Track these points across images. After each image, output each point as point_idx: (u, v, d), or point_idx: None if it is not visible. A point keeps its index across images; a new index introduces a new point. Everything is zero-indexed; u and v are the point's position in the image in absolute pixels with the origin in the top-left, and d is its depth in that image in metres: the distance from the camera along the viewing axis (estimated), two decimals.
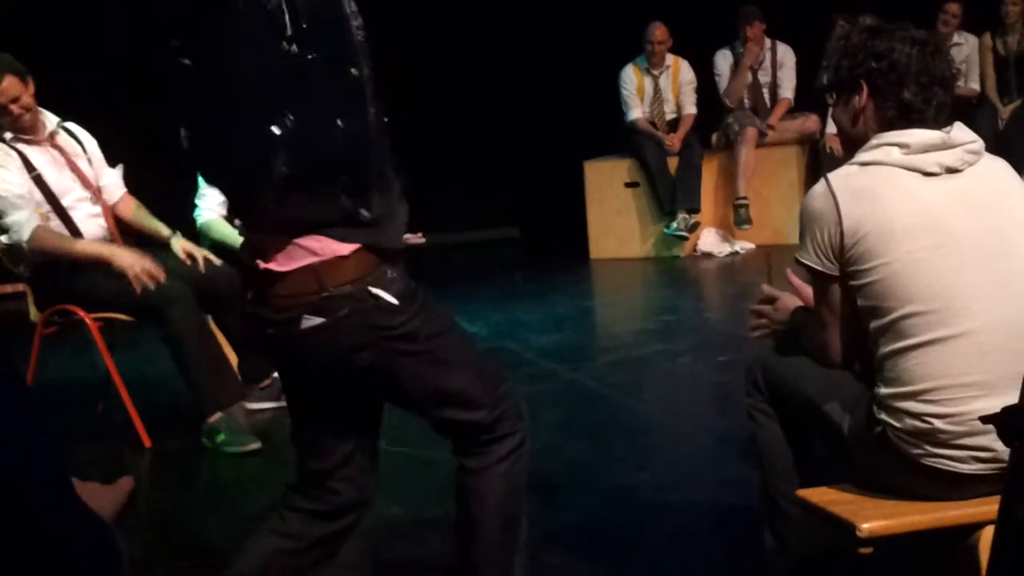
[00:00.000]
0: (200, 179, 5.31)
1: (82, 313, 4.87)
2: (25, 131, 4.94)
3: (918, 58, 2.63)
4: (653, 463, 4.29)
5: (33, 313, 5.09)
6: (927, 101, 2.61)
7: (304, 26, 2.17)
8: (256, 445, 4.76)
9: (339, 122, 2.22)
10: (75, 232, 4.96)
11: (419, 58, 9.15)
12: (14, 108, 4.87)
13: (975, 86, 8.79)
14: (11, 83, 4.81)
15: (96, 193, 5.12)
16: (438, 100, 9.26)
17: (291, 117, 2.17)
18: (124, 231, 5.17)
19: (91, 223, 5.04)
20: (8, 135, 4.93)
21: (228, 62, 2.21)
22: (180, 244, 4.98)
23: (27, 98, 4.88)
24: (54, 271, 4.91)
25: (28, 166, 4.92)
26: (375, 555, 3.75)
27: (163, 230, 5.08)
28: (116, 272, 4.70)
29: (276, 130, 2.16)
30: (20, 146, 4.93)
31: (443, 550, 3.73)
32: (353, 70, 2.24)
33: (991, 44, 8.71)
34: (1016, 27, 8.58)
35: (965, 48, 8.81)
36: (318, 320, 2.34)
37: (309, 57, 2.18)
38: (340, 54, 2.23)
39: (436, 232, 9.72)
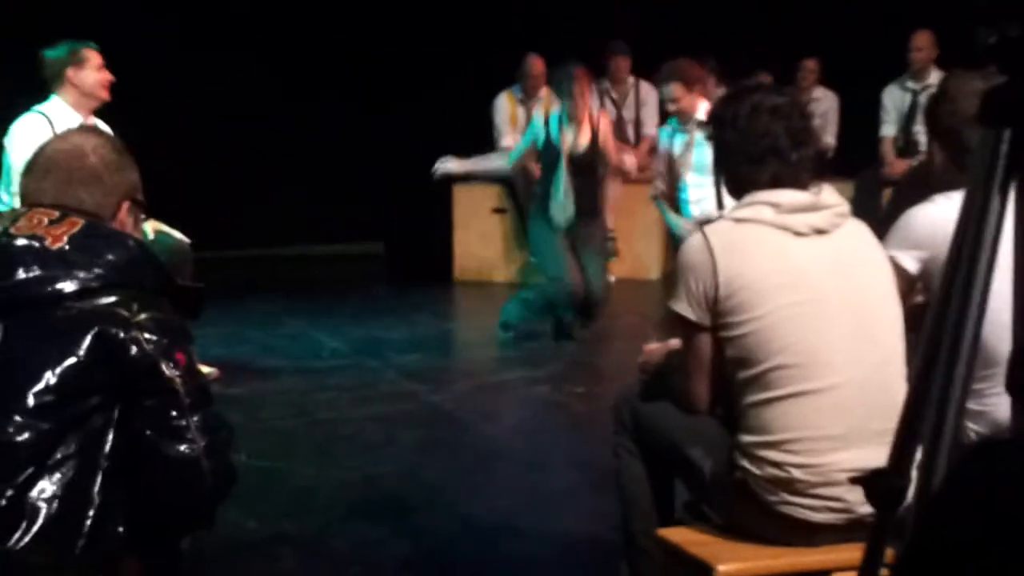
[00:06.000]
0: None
1: None
2: None
3: (751, 128, 2.69)
4: (510, 490, 4.33)
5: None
6: (758, 172, 2.70)
7: None
8: None
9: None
10: None
11: (292, 68, 9.13)
12: None
13: (831, 140, 9.02)
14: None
15: None
16: (311, 112, 9.22)
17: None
18: None
19: None
20: None
21: None
22: None
23: None
24: None
25: None
26: (231, 572, 3.72)
27: None
28: None
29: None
30: None
31: (296, 567, 3.73)
32: None
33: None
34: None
35: (824, 103, 9.07)
36: None
37: None
38: None
39: (298, 243, 9.74)
